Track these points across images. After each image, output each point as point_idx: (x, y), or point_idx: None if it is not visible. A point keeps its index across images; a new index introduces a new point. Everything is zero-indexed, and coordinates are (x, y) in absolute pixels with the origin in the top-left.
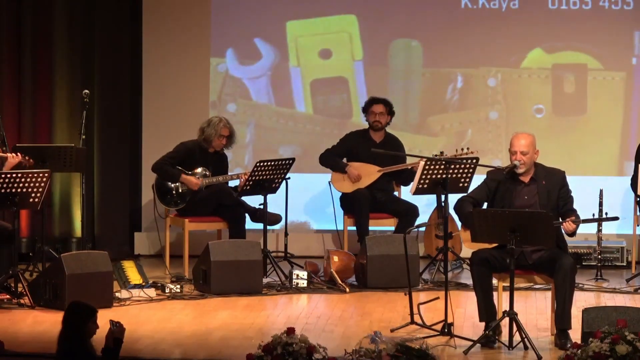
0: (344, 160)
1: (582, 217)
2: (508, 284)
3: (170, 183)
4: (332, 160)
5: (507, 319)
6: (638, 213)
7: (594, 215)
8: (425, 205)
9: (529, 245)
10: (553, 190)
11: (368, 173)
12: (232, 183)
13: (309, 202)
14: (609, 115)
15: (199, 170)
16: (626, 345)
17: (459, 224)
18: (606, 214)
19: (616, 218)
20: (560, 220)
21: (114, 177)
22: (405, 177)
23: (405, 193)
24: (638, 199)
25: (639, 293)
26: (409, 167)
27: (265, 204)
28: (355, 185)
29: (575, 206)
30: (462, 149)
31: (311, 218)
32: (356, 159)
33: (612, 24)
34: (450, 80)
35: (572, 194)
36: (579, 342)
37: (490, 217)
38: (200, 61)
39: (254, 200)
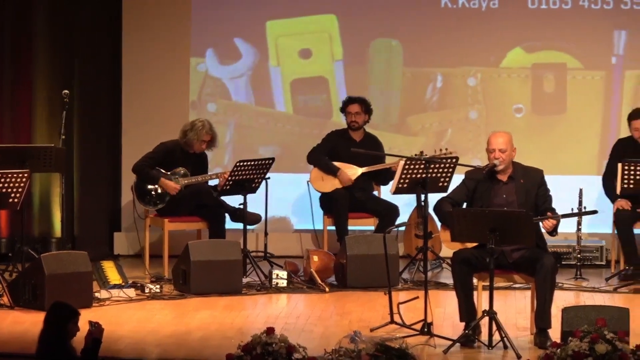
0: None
1: (561, 222)
2: (488, 284)
3: (149, 185)
4: (324, 161)
5: (486, 319)
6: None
7: (572, 210)
8: (405, 205)
9: (508, 244)
10: (531, 189)
11: (351, 174)
12: (212, 183)
13: (289, 201)
14: (588, 114)
15: (179, 170)
16: (605, 345)
17: (438, 223)
18: (585, 208)
19: (595, 212)
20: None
21: (93, 177)
22: (385, 176)
23: (385, 192)
24: (613, 198)
25: (618, 292)
26: (390, 168)
27: (245, 203)
28: (334, 185)
29: (554, 205)
30: (442, 149)
31: (291, 218)
32: (337, 159)
33: (591, 23)
34: (430, 79)
35: (550, 193)
36: (558, 341)
37: (470, 217)
38: (180, 61)
39: (233, 200)
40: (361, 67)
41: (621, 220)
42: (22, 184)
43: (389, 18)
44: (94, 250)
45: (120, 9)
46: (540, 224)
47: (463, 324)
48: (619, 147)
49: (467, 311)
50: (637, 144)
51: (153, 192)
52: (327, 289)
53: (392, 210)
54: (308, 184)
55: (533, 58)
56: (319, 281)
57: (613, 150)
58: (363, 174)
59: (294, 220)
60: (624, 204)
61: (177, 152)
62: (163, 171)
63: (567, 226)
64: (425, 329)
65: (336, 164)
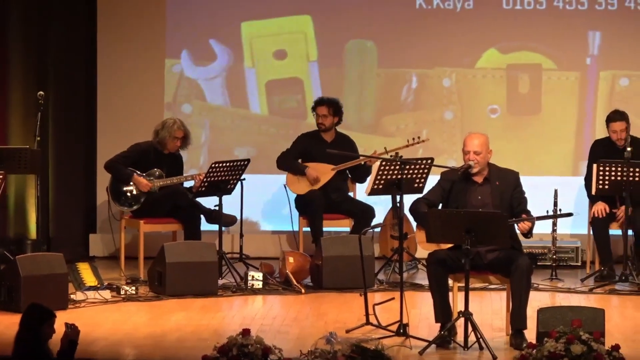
0: (299, 161)
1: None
2: (463, 285)
3: (124, 185)
4: (290, 163)
5: (462, 319)
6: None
7: (547, 212)
8: (380, 206)
9: (484, 245)
10: (507, 190)
11: (322, 173)
12: (188, 184)
13: (265, 203)
14: (563, 115)
15: (154, 171)
16: (581, 345)
17: (414, 224)
18: (560, 210)
19: (570, 214)
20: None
21: (68, 178)
22: (360, 173)
23: (361, 194)
24: (592, 199)
25: (593, 293)
26: (362, 163)
27: (220, 205)
28: (310, 187)
29: (529, 207)
30: (413, 139)
31: (266, 219)
32: (310, 160)
33: (566, 24)
34: (405, 80)
35: (525, 195)
36: (534, 342)
37: (446, 218)
38: (155, 62)
39: (209, 202)
40: (336, 68)
41: (597, 221)
42: None
43: (364, 19)
44: (69, 251)
45: (94, 11)
46: (516, 226)
47: (439, 325)
48: (597, 148)
49: (443, 312)
50: (615, 144)
51: (128, 194)
52: (302, 291)
53: (367, 212)
54: (285, 187)
55: (508, 59)
56: (295, 282)
57: (591, 152)
58: (339, 175)
59: (270, 222)
60: (601, 209)
61: (151, 153)
62: (138, 172)
63: (542, 227)
64: (401, 330)
65: (309, 164)
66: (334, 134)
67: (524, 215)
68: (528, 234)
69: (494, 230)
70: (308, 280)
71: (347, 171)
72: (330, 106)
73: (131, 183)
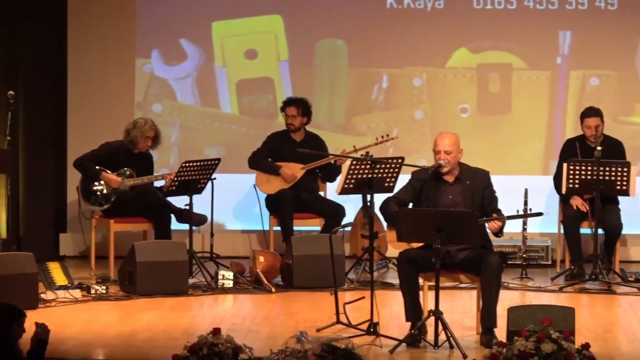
0: (269, 160)
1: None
2: (434, 283)
3: (95, 184)
4: (264, 163)
5: (432, 318)
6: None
7: (518, 212)
8: (349, 204)
9: (454, 244)
10: (477, 190)
11: (292, 172)
12: (158, 183)
13: (235, 202)
14: (533, 114)
15: (124, 170)
16: (551, 344)
17: (384, 223)
18: (530, 209)
19: (540, 214)
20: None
21: (39, 178)
22: (330, 172)
23: (331, 193)
24: (562, 198)
25: (563, 292)
26: (332, 162)
27: (190, 204)
28: (280, 186)
29: (500, 206)
30: (382, 136)
31: (237, 218)
32: (279, 159)
33: (536, 23)
34: (376, 80)
35: (496, 194)
36: (504, 340)
37: (416, 217)
38: (126, 62)
39: (179, 201)
40: (307, 68)
41: (568, 220)
42: None
43: (335, 18)
44: (39, 251)
45: (64, 10)
46: (486, 225)
47: (409, 323)
48: (569, 147)
49: (413, 311)
50: (587, 143)
51: (98, 193)
52: (273, 290)
53: (337, 211)
54: (255, 188)
55: (478, 58)
56: (265, 282)
57: (563, 150)
58: (309, 174)
59: (240, 221)
60: (580, 203)
61: (121, 152)
62: (109, 171)
63: (512, 226)
64: (372, 329)
65: (281, 164)
66: (304, 133)
67: (494, 215)
68: (499, 233)
69: (464, 230)
70: (278, 280)
71: (317, 170)
72: (299, 106)
73: (101, 181)
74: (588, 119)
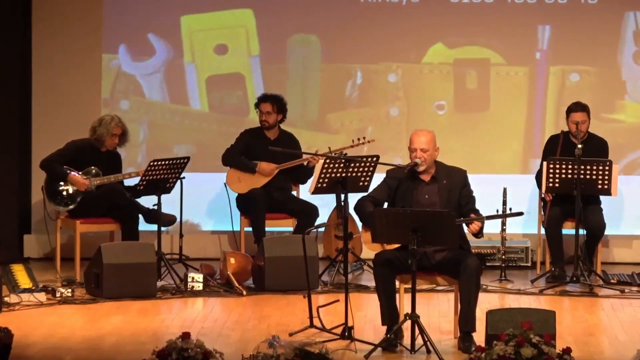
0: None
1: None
2: (410, 286)
3: (61, 184)
4: (239, 160)
5: (409, 322)
6: (542, 212)
7: (497, 211)
8: (322, 204)
9: (431, 245)
10: (454, 189)
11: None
12: (126, 183)
13: (205, 202)
14: (512, 111)
15: (91, 169)
16: (531, 348)
17: (359, 224)
18: (510, 209)
19: (520, 213)
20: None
21: (3, 177)
22: (302, 174)
23: (304, 192)
24: (543, 196)
25: (544, 294)
26: (305, 164)
27: (159, 204)
28: (251, 185)
29: (478, 206)
30: (359, 139)
31: (207, 219)
32: (252, 158)
33: (515, 17)
34: (350, 76)
35: (474, 194)
36: (483, 345)
37: (392, 217)
38: (92, 57)
39: (147, 201)
40: (279, 64)
41: (550, 220)
42: None
43: (307, 13)
44: (3, 253)
45: (29, 4)
46: (465, 225)
47: (385, 327)
48: (551, 145)
49: (389, 314)
50: (570, 140)
51: (64, 193)
52: (244, 292)
53: (311, 211)
54: (225, 186)
55: (455, 53)
56: (236, 284)
57: (546, 148)
58: (281, 173)
59: (210, 222)
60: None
61: (88, 150)
62: (75, 170)
63: (491, 226)
64: (346, 333)
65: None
66: (278, 131)
67: (472, 215)
68: (478, 234)
69: (441, 230)
70: (250, 282)
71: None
72: (275, 103)
73: (67, 182)
74: (574, 113)
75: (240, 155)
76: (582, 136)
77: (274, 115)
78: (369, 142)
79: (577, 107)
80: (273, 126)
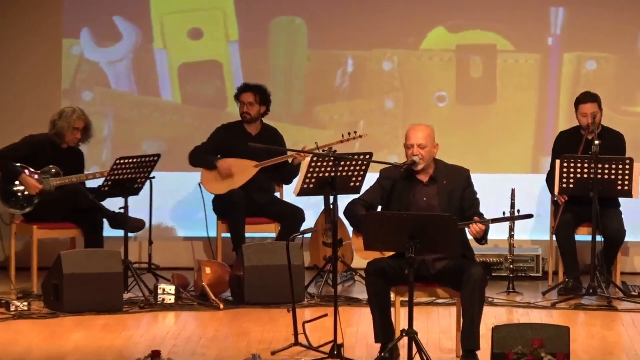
0: (219, 157)
1: (491, 227)
2: (407, 299)
3: (15, 183)
4: (202, 157)
5: (405, 339)
6: (554, 216)
7: (504, 213)
8: (309, 207)
9: (430, 253)
10: (455, 191)
11: (243, 170)
12: (89, 184)
13: (177, 205)
14: (521, 103)
15: (50, 168)
16: None
17: (350, 229)
18: (518, 211)
19: (530, 216)
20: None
21: None
22: (286, 173)
23: (289, 194)
24: (555, 199)
25: (556, 308)
26: (289, 161)
27: (126, 207)
28: (230, 186)
29: (482, 209)
30: (349, 133)
31: (179, 223)
32: (230, 155)
33: None
34: (340, 63)
35: (477, 196)
36: None
37: (386, 222)
38: (51, 43)
39: (113, 203)
40: (260, 50)
41: (562, 225)
42: None
43: None
44: None
45: None
46: (467, 230)
47: (379, 345)
48: (562, 141)
49: (384, 331)
50: (582, 135)
51: (19, 194)
52: (221, 306)
53: (296, 214)
54: (200, 186)
55: (457, 38)
56: (212, 296)
57: (555, 145)
58: (263, 173)
59: (183, 227)
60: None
61: (47, 147)
62: (32, 169)
63: (497, 232)
64: (335, 352)
65: (229, 160)
66: (260, 125)
67: (476, 219)
68: (482, 239)
69: (441, 236)
70: (227, 294)
71: (272, 169)
72: (257, 93)
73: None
74: (583, 105)
75: (210, 154)
76: (593, 129)
77: (257, 107)
78: (360, 137)
79: (586, 97)
80: (255, 119)
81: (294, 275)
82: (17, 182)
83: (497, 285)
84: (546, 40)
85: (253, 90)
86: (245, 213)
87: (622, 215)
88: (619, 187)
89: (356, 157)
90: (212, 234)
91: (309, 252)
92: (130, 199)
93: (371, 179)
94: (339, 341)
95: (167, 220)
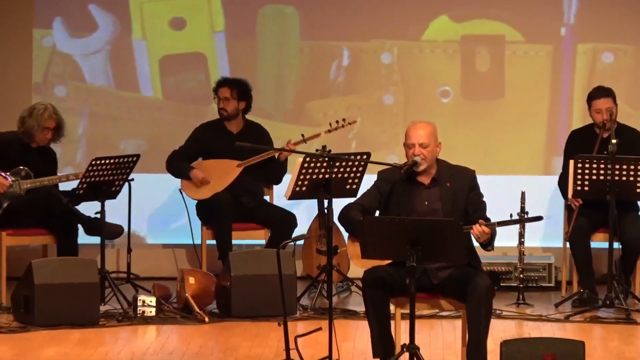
0: (200, 159)
1: (499, 232)
2: (408, 311)
3: None
4: (177, 165)
5: (407, 355)
6: (568, 222)
7: (511, 216)
8: (301, 211)
9: (433, 261)
10: (460, 193)
11: (225, 171)
12: (62, 187)
13: (158, 209)
14: (532, 99)
15: (20, 169)
16: None
17: (345, 236)
18: (527, 214)
19: (539, 218)
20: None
21: None
22: (274, 171)
23: (280, 197)
24: (568, 203)
25: (570, 321)
26: (275, 156)
27: (102, 212)
28: (213, 190)
29: (489, 214)
30: (337, 122)
31: (160, 230)
32: (212, 156)
33: None
34: (335, 56)
35: (484, 199)
36: None
37: (385, 227)
38: (20, 33)
39: (89, 208)
40: (248, 41)
41: (576, 232)
42: None
43: None
44: None
45: None
46: (472, 236)
47: None
48: (574, 141)
49: (383, 346)
50: (596, 134)
51: None
52: (206, 319)
53: (287, 220)
54: (181, 192)
55: (462, 29)
56: (197, 309)
57: (568, 145)
58: (250, 174)
59: (165, 233)
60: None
61: (15, 146)
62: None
63: (506, 238)
64: None
65: (208, 162)
66: (242, 123)
67: (481, 221)
68: (488, 245)
69: (445, 243)
70: (213, 306)
71: (259, 169)
72: (234, 87)
73: None
74: (597, 100)
75: (191, 157)
76: (609, 126)
77: (234, 103)
78: (349, 124)
79: (600, 92)
80: (233, 116)
81: (285, 286)
82: None
83: (505, 296)
84: (559, 31)
85: (229, 84)
86: (232, 218)
87: None
88: (638, 190)
89: (353, 157)
90: (197, 241)
91: (302, 260)
92: (108, 203)
93: (369, 181)
94: (334, 357)
95: (148, 226)
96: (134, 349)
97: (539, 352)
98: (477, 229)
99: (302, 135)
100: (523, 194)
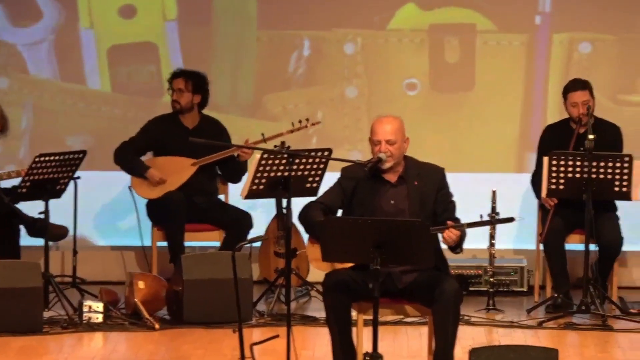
0: (151, 155)
1: (468, 231)
2: (371, 317)
3: None
4: (130, 160)
5: None
6: (542, 223)
7: (481, 216)
8: (258, 211)
9: (398, 264)
10: (428, 192)
11: (179, 169)
12: (3, 184)
13: (106, 209)
14: (504, 92)
15: None
16: None
17: (305, 237)
18: (498, 214)
19: (511, 219)
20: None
21: None
22: (232, 169)
23: (235, 196)
24: (542, 203)
25: (544, 327)
26: (235, 155)
27: (46, 212)
28: (164, 189)
29: (459, 214)
30: (300, 121)
31: (108, 231)
32: (164, 152)
33: None
34: (295, 46)
35: (453, 199)
36: None
37: (347, 228)
38: None
39: (32, 208)
40: (202, 30)
41: (550, 233)
42: None
43: None
44: None
45: None
46: (440, 236)
47: None
48: (549, 137)
49: (344, 353)
50: (572, 130)
51: None
52: (156, 326)
53: (243, 220)
54: (130, 190)
55: (431, 17)
56: (146, 315)
57: (542, 141)
58: (204, 172)
59: (113, 235)
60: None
61: None
62: None
63: (476, 240)
64: None
65: (161, 160)
66: (198, 117)
67: (449, 223)
68: (456, 247)
69: (411, 245)
70: (164, 312)
71: (217, 168)
72: (190, 79)
73: None
74: (572, 93)
75: (140, 151)
76: (586, 120)
77: (188, 95)
78: (313, 124)
79: (576, 85)
80: (187, 109)
81: (240, 291)
82: None
83: (475, 301)
84: (533, 19)
85: (185, 76)
86: (184, 219)
87: (620, 221)
88: (616, 189)
89: (313, 154)
90: (147, 242)
91: (259, 263)
92: (52, 202)
93: (330, 179)
94: None
95: (94, 227)
96: (79, 357)
97: None
98: (448, 234)
99: (262, 134)
100: (494, 192)
